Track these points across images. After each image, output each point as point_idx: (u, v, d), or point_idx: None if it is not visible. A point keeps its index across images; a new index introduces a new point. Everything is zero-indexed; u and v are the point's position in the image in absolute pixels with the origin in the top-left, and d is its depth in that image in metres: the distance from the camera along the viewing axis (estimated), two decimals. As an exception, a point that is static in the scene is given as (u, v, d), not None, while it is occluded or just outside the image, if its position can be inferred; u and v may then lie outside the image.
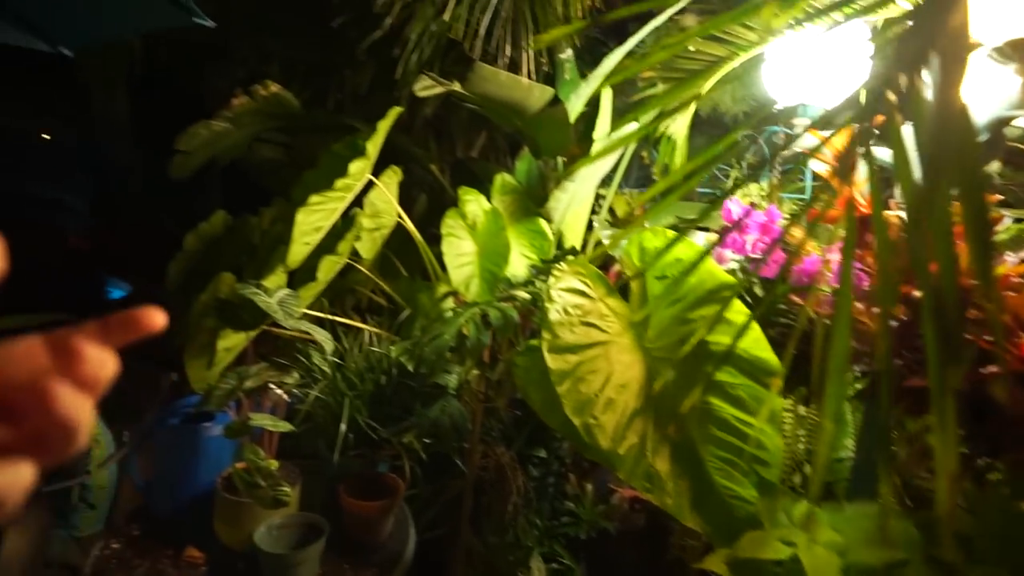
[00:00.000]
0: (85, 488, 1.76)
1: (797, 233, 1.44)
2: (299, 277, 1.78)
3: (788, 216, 1.48)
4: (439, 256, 2.03)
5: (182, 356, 2.89)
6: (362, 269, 1.98)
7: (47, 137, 6.76)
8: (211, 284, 2.01)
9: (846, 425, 1.43)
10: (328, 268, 1.81)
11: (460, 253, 1.83)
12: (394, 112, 1.64)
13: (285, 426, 1.14)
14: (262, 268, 2.25)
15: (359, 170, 1.64)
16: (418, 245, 2.00)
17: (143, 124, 3.82)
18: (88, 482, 1.74)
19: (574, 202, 2.18)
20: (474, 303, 1.62)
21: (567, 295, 1.21)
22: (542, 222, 2.06)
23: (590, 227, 2.41)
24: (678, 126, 1.78)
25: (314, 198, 1.55)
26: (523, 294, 1.48)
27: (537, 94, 1.73)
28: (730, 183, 3.00)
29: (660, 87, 1.98)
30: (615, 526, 2.03)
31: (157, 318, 0.28)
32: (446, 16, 1.80)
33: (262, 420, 1.10)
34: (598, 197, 2.49)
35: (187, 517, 1.30)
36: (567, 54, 2.33)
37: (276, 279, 1.69)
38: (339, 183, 1.58)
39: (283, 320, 1.17)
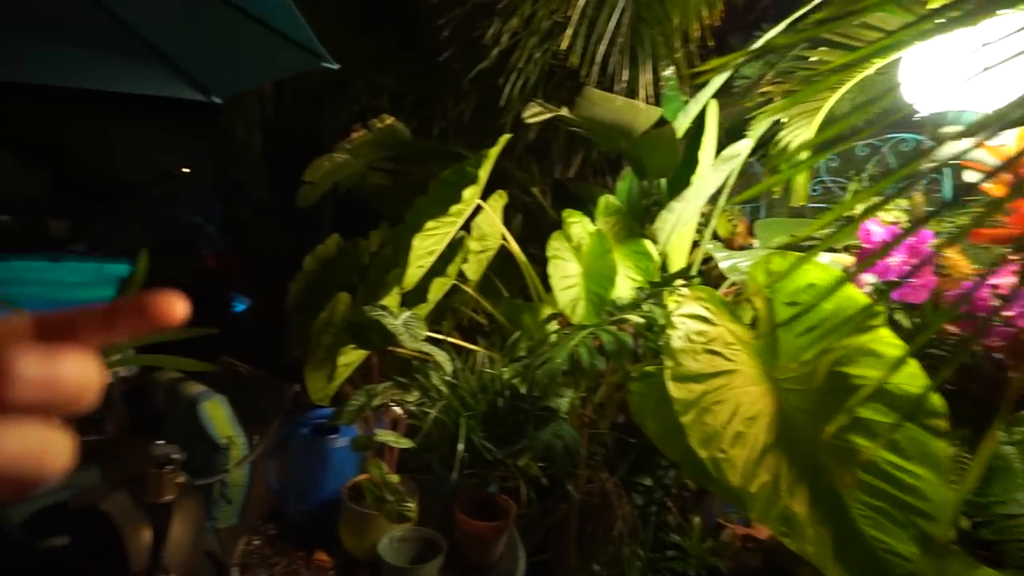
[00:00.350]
0: (224, 485, 1.95)
1: (952, 254, 1.29)
2: (410, 297, 1.88)
3: (941, 235, 1.33)
4: (539, 276, 2.06)
5: (300, 368, 3.12)
6: (467, 290, 2.05)
7: (187, 171, 7.74)
8: (329, 303, 2.17)
9: (1016, 475, 1.25)
10: (438, 289, 1.89)
11: (566, 275, 1.83)
12: (504, 139, 1.69)
13: (406, 443, 1.19)
14: (375, 289, 2.40)
15: (472, 196, 1.70)
16: (521, 266, 2.04)
17: (270, 158, 4.26)
18: (227, 479, 1.92)
19: (679, 222, 2.11)
20: (582, 326, 1.61)
21: (689, 321, 1.17)
22: (647, 243, 2.02)
23: (694, 247, 2.32)
24: (801, 140, 1.67)
25: (430, 224, 1.63)
26: (636, 318, 1.45)
27: (645, 115, 1.71)
28: (848, 197, 2.77)
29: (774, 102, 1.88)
30: (727, 564, 1.90)
31: (175, 308, 0.25)
32: (563, 44, 1.84)
33: (386, 436, 1.16)
34: (701, 215, 2.40)
35: (315, 522, 1.39)
36: (670, 71, 2.29)
37: (391, 299, 1.78)
38: (453, 209, 1.65)
39: (408, 342, 1.23)
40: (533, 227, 2.81)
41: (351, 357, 1.74)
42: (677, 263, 2.24)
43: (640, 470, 2.00)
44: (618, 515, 1.80)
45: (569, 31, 1.81)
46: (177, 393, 1.92)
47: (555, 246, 1.86)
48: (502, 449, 1.31)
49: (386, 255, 2.46)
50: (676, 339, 1.14)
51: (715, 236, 2.72)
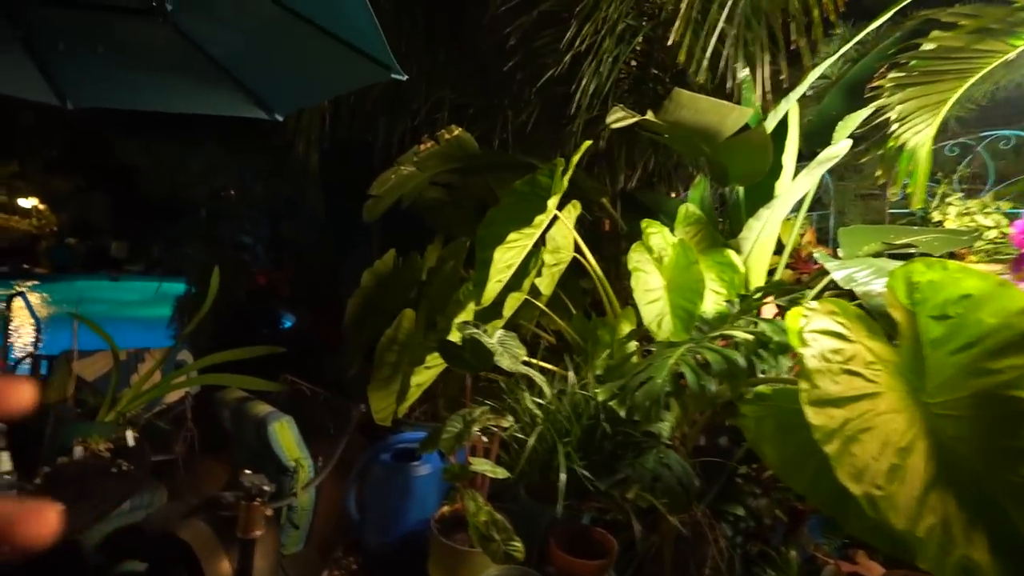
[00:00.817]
0: (291, 509, 1.89)
1: None
2: (481, 313, 1.80)
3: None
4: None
5: (349, 384, 3.07)
6: (539, 305, 1.96)
7: (232, 192, 8.00)
8: (394, 321, 2.11)
9: None
10: (513, 304, 1.80)
11: (648, 288, 1.72)
12: (585, 146, 1.60)
13: (503, 473, 1.09)
14: (440, 305, 2.34)
15: (554, 205, 1.62)
16: (595, 279, 1.94)
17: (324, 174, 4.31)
18: (294, 503, 1.86)
19: (764, 231, 1.98)
20: (671, 343, 1.49)
21: (823, 338, 1.04)
22: (731, 253, 1.89)
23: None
24: (922, 136, 1.52)
25: (513, 236, 1.55)
26: (741, 334, 1.32)
27: (734, 117, 1.60)
28: (936, 200, 2.57)
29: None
30: (834, 607, 1.72)
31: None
32: (671, 39, 1.75)
33: (482, 466, 1.06)
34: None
35: (399, 555, 1.30)
36: (744, 74, 2.17)
37: (465, 316, 1.71)
38: (537, 219, 1.56)
39: (507, 363, 1.14)
40: (592, 238, 2.71)
41: (424, 377, 1.67)
42: (758, 275, 2.10)
43: (727, 498, 1.85)
44: (712, 547, 1.65)
45: (678, 24, 1.72)
46: (244, 413, 1.88)
47: (636, 258, 1.75)
48: (603, 479, 1.20)
49: (448, 271, 2.40)
50: (810, 358, 1.01)
51: (779, 246, 2.56)
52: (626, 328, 1.84)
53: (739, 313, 1.67)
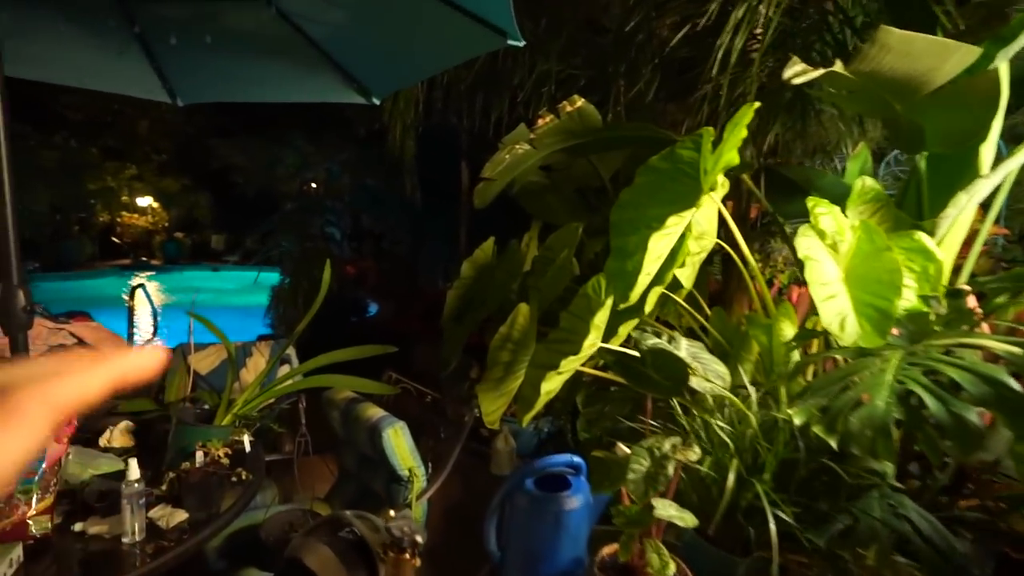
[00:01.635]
0: (404, 520, 1.76)
1: None
2: (618, 311, 1.56)
3: None
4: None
5: (443, 381, 2.92)
6: (678, 300, 1.69)
7: (314, 186, 8.25)
8: (511, 316, 1.92)
9: None
10: (654, 299, 1.55)
11: (824, 281, 1.40)
12: (749, 109, 1.31)
13: (691, 520, 0.85)
14: (550, 296, 2.12)
15: (709, 184, 1.34)
16: (749, 270, 1.64)
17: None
18: (408, 515, 1.74)
19: (964, 211, 1.59)
20: (872, 350, 1.18)
21: None
22: (922, 238, 1.52)
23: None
24: None
25: (672, 220, 1.29)
26: (1001, 345, 0.99)
27: (958, 58, 1.24)
28: None
29: None
30: None
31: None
32: None
33: (667, 510, 0.83)
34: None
35: (545, 598, 1.11)
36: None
37: (603, 314, 1.48)
38: (702, 199, 1.29)
39: (708, 387, 0.90)
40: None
41: (555, 383, 1.46)
42: (946, 264, 1.70)
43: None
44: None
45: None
46: (354, 415, 1.78)
47: (807, 244, 1.43)
48: (814, 528, 0.93)
49: (561, 260, 2.18)
50: None
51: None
52: (788, 330, 1.53)
53: (952, 314, 1.32)
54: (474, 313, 2.72)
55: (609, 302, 1.46)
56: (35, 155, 10.07)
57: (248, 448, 1.48)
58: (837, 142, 2.31)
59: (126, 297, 4.35)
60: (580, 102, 1.75)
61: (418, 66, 2.10)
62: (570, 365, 1.43)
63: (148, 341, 4.67)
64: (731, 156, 1.32)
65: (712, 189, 1.38)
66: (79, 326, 1.95)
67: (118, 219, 12.75)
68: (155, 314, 5.12)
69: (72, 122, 11.28)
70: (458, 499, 2.67)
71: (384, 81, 2.31)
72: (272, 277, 5.87)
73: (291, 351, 2.56)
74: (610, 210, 1.64)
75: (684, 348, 0.98)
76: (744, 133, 1.29)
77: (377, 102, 2.41)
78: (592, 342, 1.47)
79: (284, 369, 2.44)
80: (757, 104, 1.31)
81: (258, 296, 6.17)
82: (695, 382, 0.89)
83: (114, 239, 12.61)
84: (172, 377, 1.99)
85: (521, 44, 1.67)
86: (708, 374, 0.89)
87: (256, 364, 2.37)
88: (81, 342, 1.93)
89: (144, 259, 12.32)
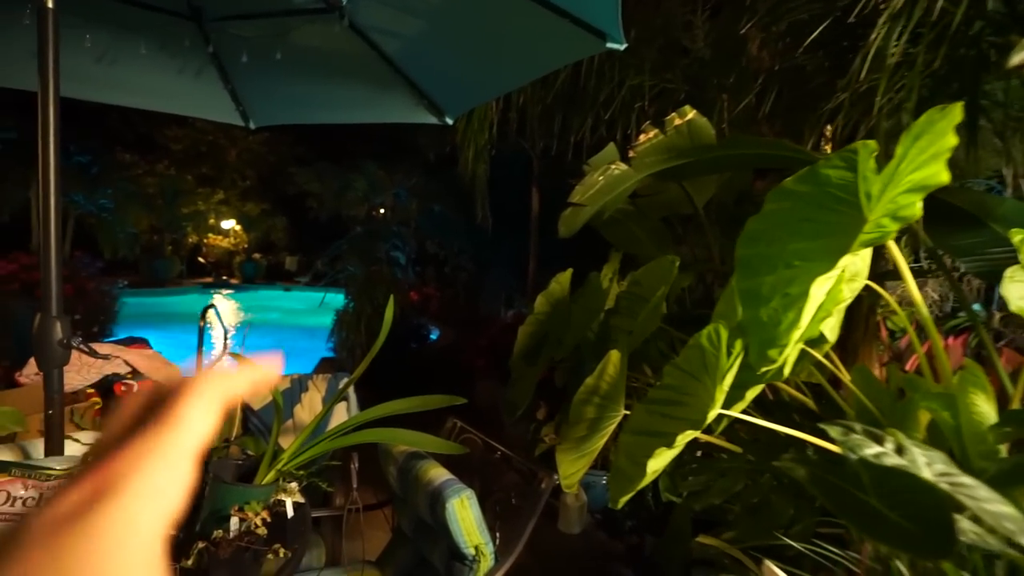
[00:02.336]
0: (465, 605, 1.48)
1: None
2: (748, 370, 1.23)
3: None
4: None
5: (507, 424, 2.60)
6: (817, 355, 1.33)
7: (383, 211, 8.37)
8: (600, 365, 1.63)
9: None
10: (795, 356, 1.21)
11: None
12: (953, 111, 0.97)
13: None
14: (639, 340, 1.81)
15: (877, 214, 1.01)
16: (916, 324, 1.26)
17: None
18: (469, 599, 1.45)
19: None
20: None
21: None
22: None
23: None
24: None
25: (846, 260, 0.97)
26: None
27: None
28: None
29: None
30: None
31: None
32: None
33: None
34: None
35: None
36: None
37: (731, 376, 1.16)
38: (863, 235, 0.97)
39: (975, 534, 0.57)
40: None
41: (664, 460, 1.14)
42: None
43: None
44: None
45: None
46: (415, 475, 1.53)
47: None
48: None
49: (655, 302, 1.86)
50: None
51: None
52: (984, 405, 1.13)
53: None
54: (548, 353, 2.44)
55: (738, 360, 1.14)
56: (140, 182, 11.00)
57: (291, 512, 1.26)
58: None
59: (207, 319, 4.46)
60: (692, 114, 1.47)
61: (499, 79, 1.90)
62: (686, 438, 1.12)
63: (217, 360, 4.75)
64: (928, 174, 0.98)
65: (890, 218, 1.04)
66: (133, 354, 1.86)
67: (205, 240, 13.64)
68: (226, 334, 5.24)
69: (173, 152, 12.30)
70: (520, 561, 2.35)
71: (460, 98, 2.13)
72: (338, 299, 5.89)
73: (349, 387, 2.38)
74: (700, 240, 1.34)
75: (921, 461, 0.64)
76: (952, 140, 0.95)
77: (450, 122, 2.24)
78: (716, 410, 1.15)
79: (341, 408, 2.25)
80: (959, 104, 0.98)
81: (324, 317, 6.21)
82: (966, 528, 0.56)
83: (200, 259, 13.47)
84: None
85: (623, 47, 1.42)
86: (983, 514, 0.56)
87: (312, 400, 2.20)
88: (135, 371, 1.83)
89: (224, 278, 13.03)
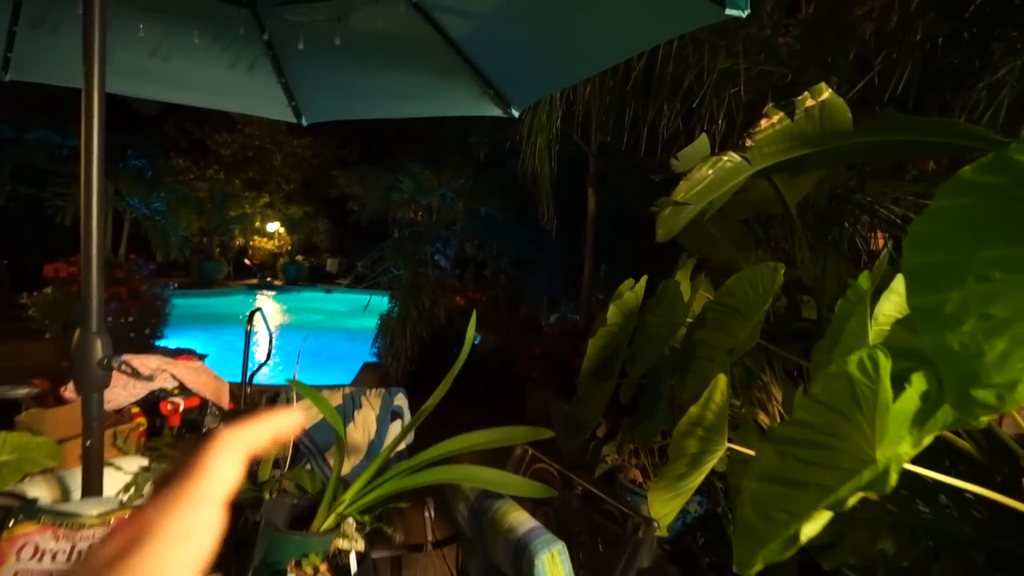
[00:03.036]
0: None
1: None
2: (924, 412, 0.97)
3: None
4: None
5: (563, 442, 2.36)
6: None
7: (419, 216, 8.25)
8: (706, 392, 1.39)
9: None
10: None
11: None
12: None
13: None
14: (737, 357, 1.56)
15: None
16: None
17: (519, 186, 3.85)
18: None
19: None
20: None
21: None
22: None
23: None
24: None
25: None
26: None
27: None
28: None
29: None
30: None
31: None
32: None
33: None
34: None
35: None
36: None
37: (904, 418, 0.90)
38: None
39: None
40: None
41: (822, 523, 0.90)
42: None
43: None
44: None
45: None
46: (491, 517, 1.32)
47: None
48: None
49: (759, 316, 1.60)
50: None
51: None
52: None
53: None
54: (619, 368, 2.20)
55: (915, 396, 0.89)
56: (192, 187, 11.35)
57: (354, 568, 1.08)
58: None
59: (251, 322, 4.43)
60: (826, 94, 1.21)
61: (580, 61, 1.68)
62: (856, 496, 0.87)
63: (263, 364, 4.71)
64: None
65: None
66: (181, 367, 1.74)
67: (251, 243, 13.96)
68: (271, 338, 5.21)
69: (222, 157, 12.65)
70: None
71: (530, 86, 1.93)
72: (381, 302, 5.78)
73: (403, 402, 2.20)
74: (780, 244, 1.08)
75: None
76: None
77: (516, 114, 2.03)
78: (884, 456, 0.90)
79: (396, 426, 2.08)
80: None
81: (367, 320, 6.13)
82: None
83: (246, 261, 13.78)
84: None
85: (745, 14, 1.17)
86: None
87: (366, 419, 2.03)
88: (182, 386, 1.71)
89: (269, 279, 13.28)
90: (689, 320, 2.10)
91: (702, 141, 1.72)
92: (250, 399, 2.26)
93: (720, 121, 1.97)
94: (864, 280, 1.44)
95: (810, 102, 1.23)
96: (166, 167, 9.46)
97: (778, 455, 1.13)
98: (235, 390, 4.25)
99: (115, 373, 1.11)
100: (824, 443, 1.08)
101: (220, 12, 1.79)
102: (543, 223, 3.49)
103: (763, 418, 2.18)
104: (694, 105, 2.02)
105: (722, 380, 1.38)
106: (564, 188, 4.84)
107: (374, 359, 5.67)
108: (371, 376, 5.40)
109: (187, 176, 11.91)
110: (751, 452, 1.48)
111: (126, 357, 1.78)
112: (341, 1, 1.71)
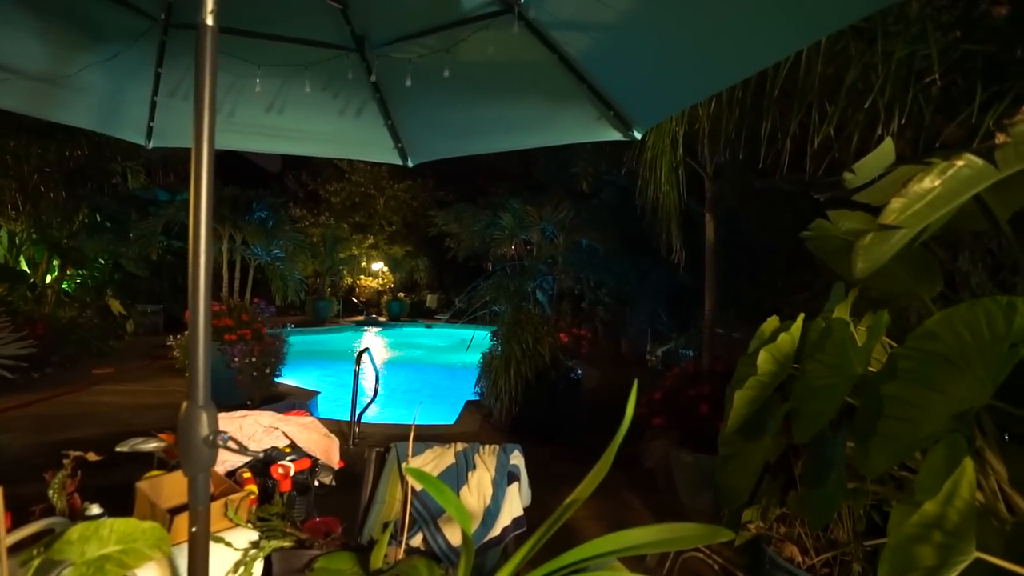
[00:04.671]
0: None
1: None
2: None
3: None
4: None
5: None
6: None
7: (490, 266, 8.14)
8: (953, 479, 1.02)
9: None
10: None
11: None
12: None
13: None
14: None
15: None
16: None
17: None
18: None
19: None
20: None
21: None
22: None
23: None
24: None
25: None
26: None
27: None
28: None
29: None
30: None
31: None
32: None
33: None
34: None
35: None
36: None
37: None
38: None
39: None
40: None
41: None
42: None
43: None
44: None
45: None
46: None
47: None
48: None
49: (984, 370, 1.19)
50: None
51: None
52: None
53: None
54: (775, 424, 1.82)
55: None
56: (307, 233, 12.38)
57: None
58: None
59: (359, 363, 4.53)
60: None
61: (710, 75, 1.43)
62: None
63: (372, 401, 4.76)
64: None
65: None
66: (293, 425, 1.67)
67: (357, 282, 14.84)
68: (378, 377, 5.30)
69: (333, 205, 13.74)
70: None
71: (655, 104, 1.69)
72: (481, 335, 5.69)
73: (519, 460, 1.98)
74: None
75: None
76: None
77: (638, 136, 1.80)
78: None
79: (513, 489, 1.85)
80: None
81: (469, 355, 6.07)
82: None
83: (353, 299, 14.65)
84: (378, 509, 1.53)
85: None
86: None
87: (480, 482, 1.83)
88: (293, 445, 1.63)
89: (374, 316, 13.95)
90: (868, 369, 1.69)
91: (886, 147, 1.36)
92: (358, 447, 2.16)
93: (899, 121, 1.59)
94: None
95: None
96: (284, 216, 10.39)
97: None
98: (344, 428, 4.30)
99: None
100: None
101: (329, 59, 1.77)
102: (670, 256, 3.18)
103: (976, 495, 1.67)
104: (865, 106, 1.66)
105: (969, 467, 1.00)
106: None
107: (476, 397, 5.55)
108: (474, 415, 5.27)
109: (303, 223, 13.01)
110: (1015, 568, 1.06)
111: (235, 417, 1.75)
112: (450, 32, 1.61)
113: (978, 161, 0.99)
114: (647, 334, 8.30)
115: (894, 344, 1.84)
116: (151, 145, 2.23)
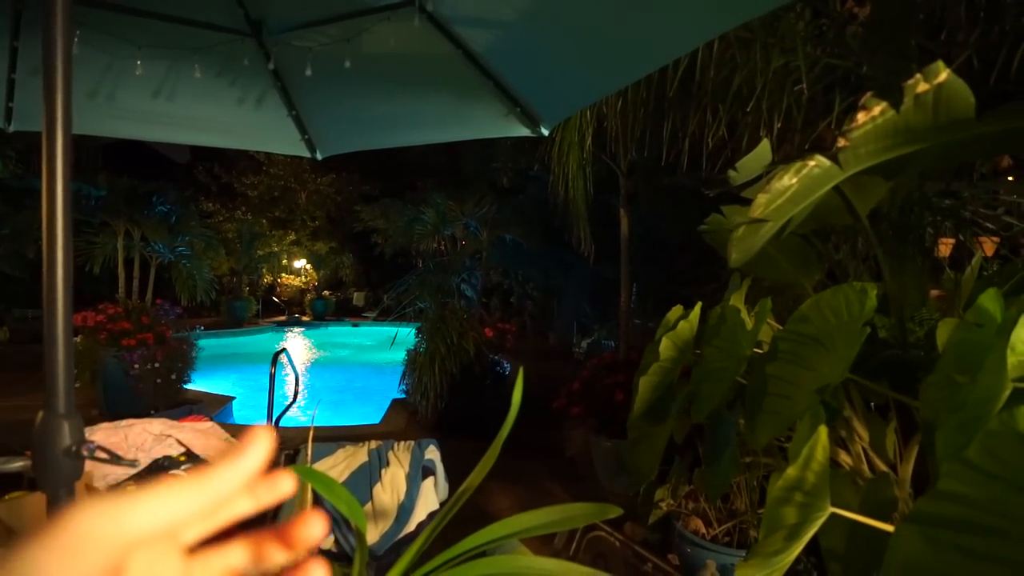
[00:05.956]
0: None
1: None
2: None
3: None
4: None
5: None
6: None
7: (442, 248, 8.13)
8: (808, 446, 1.12)
9: None
10: None
11: None
12: None
13: None
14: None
15: None
16: None
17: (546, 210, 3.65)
18: None
19: None
20: None
21: None
22: None
23: None
24: None
25: None
26: None
27: None
28: None
29: None
30: None
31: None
32: None
33: None
34: None
35: None
36: None
37: None
38: None
39: None
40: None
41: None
42: None
43: None
44: None
45: None
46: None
47: None
48: None
49: (846, 349, 1.34)
50: None
51: None
52: None
53: None
54: (676, 407, 1.94)
55: None
56: (220, 229, 11.57)
57: None
58: None
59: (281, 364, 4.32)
60: (944, 74, 0.97)
61: (613, 72, 1.49)
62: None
63: (290, 405, 4.56)
64: None
65: None
66: (188, 431, 1.56)
67: (278, 280, 14.10)
68: (298, 378, 5.08)
69: (250, 199, 12.93)
70: None
71: (560, 101, 1.75)
72: (408, 333, 5.61)
73: (435, 455, 1.98)
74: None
75: None
76: None
77: (546, 133, 1.85)
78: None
79: (428, 485, 1.85)
80: None
81: (395, 353, 5.97)
82: None
83: (274, 298, 13.91)
84: (286, 514, 1.48)
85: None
86: None
87: (394, 479, 1.81)
88: (189, 453, 1.53)
89: (297, 316, 13.32)
90: (755, 352, 1.85)
91: (763, 148, 1.49)
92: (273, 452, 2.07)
93: (776, 124, 1.74)
94: (990, 299, 1.18)
95: (922, 87, 1.00)
96: (195, 211, 9.66)
97: (927, 543, 0.86)
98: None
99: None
100: (997, 528, 0.81)
101: (223, 44, 1.67)
102: (579, 249, 3.28)
103: (844, 458, 1.88)
104: (747, 110, 1.80)
105: (823, 433, 1.13)
106: (590, 210, 4.64)
107: (402, 395, 5.47)
108: (400, 414, 5.20)
109: (216, 219, 12.15)
110: (866, 520, 1.20)
111: (120, 427, 1.61)
112: (351, 22, 1.57)
113: (826, 162, 1.11)
114: (573, 327, 8.54)
115: (781, 328, 2.02)
116: (12, 128, 2.00)
